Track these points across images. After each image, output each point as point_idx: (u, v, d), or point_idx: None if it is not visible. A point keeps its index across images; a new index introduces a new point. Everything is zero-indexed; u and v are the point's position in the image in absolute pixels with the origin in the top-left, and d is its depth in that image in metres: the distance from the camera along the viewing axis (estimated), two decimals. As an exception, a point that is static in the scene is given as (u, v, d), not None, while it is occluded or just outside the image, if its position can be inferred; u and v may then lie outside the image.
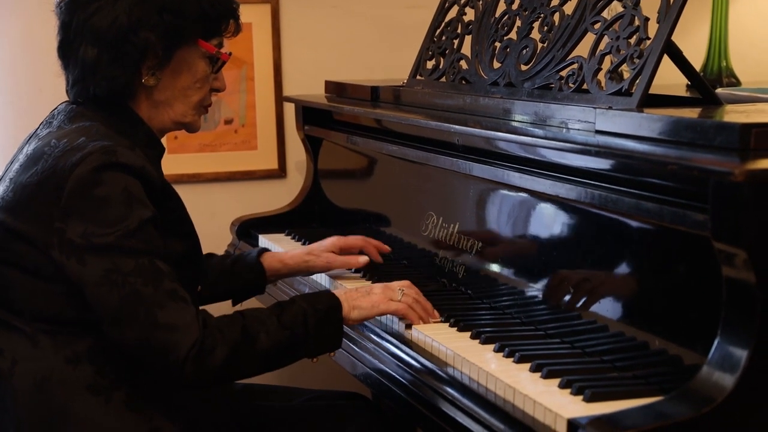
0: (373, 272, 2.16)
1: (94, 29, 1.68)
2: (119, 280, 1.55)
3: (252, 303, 2.10)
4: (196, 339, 1.56)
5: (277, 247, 2.52)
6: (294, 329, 1.66)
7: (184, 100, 1.77)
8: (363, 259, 2.12)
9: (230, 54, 1.80)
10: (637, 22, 1.77)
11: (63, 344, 1.64)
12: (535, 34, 2.02)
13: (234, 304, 2.12)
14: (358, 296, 1.79)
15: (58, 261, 1.59)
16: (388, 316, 1.87)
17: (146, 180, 1.62)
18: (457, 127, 1.98)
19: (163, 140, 1.84)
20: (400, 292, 1.82)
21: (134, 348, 1.59)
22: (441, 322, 1.84)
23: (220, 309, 1.84)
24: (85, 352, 1.64)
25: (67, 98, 1.78)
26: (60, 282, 1.61)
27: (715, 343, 1.34)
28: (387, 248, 2.19)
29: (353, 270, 2.19)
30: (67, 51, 1.73)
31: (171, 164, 2.93)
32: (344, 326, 1.75)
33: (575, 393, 1.45)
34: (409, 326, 1.83)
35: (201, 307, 1.66)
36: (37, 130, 1.76)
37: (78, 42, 1.70)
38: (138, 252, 1.57)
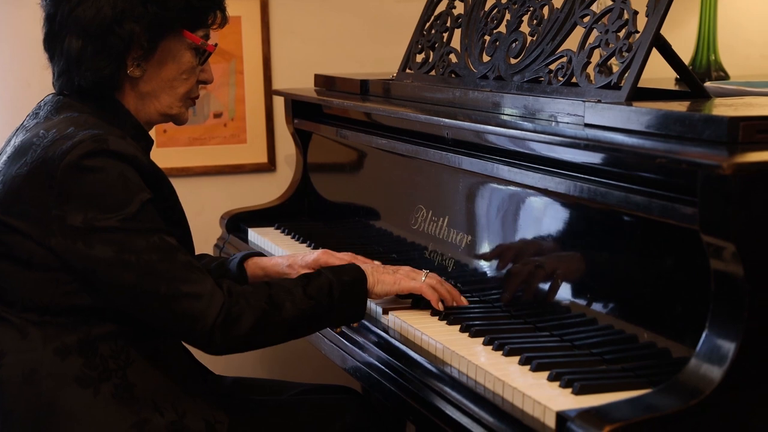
0: None
1: (78, 21, 1.68)
2: (133, 258, 1.58)
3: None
4: (222, 305, 1.59)
5: (266, 240, 2.52)
6: (319, 299, 1.69)
7: (170, 91, 1.77)
8: None
9: (216, 45, 1.80)
10: (626, 16, 1.78)
11: (52, 336, 1.64)
12: (525, 28, 2.02)
13: None
14: (383, 271, 1.82)
15: (59, 248, 1.59)
16: (380, 311, 1.88)
17: (138, 167, 1.63)
18: (446, 120, 1.98)
19: (152, 134, 1.84)
20: (425, 273, 1.85)
21: (161, 321, 1.61)
22: (431, 315, 1.84)
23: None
24: (75, 344, 1.64)
25: (53, 90, 1.78)
26: (53, 270, 1.61)
27: (703, 335, 1.35)
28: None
29: None
30: (52, 43, 1.73)
31: (160, 158, 2.89)
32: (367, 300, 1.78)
33: (564, 386, 1.46)
34: (385, 313, 1.84)
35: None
36: (24, 122, 1.76)
37: (63, 34, 1.70)
38: (146, 231, 1.59)
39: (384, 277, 1.81)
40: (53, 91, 1.78)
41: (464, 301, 1.87)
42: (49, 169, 1.59)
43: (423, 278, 1.84)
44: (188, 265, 1.61)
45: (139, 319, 1.65)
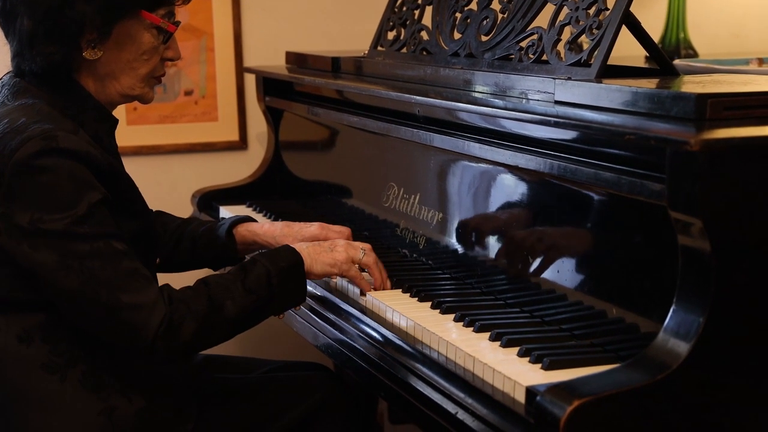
0: None
1: (28, 0, 1.61)
2: (75, 264, 1.53)
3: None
4: (163, 316, 1.55)
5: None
6: (259, 292, 1.65)
7: (131, 72, 1.70)
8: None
9: (179, 23, 1.73)
10: (596, -7, 1.78)
11: (13, 322, 1.62)
12: (496, 5, 2.02)
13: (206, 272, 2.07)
14: (320, 251, 1.79)
15: (6, 246, 1.55)
16: (351, 288, 1.88)
17: (91, 164, 1.57)
18: (417, 98, 1.98)
19: (122, 111, 1.81)
20: (362, 252, 1.83)
21: (100, 330, 1.58)
22: (402, 292, 1.85)
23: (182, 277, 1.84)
24: (37, 329, 1.62)
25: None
26: (6, 265, 1.58)
27: (671, 311, 1.36)
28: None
29: None
30: (7, 20, 1.66)
31: (130, 136, 2.91)
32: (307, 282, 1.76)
33: (534, 361, 1.47)
34: (364, 294, 1.85)
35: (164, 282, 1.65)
36: None
37: (15, 12, 1.64)
38: (92, 236, 1.54)
39: (322, 257, 1.78)
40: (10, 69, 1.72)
41: (388, 285, 1.85)
42: None
43: (361, 255, 1.83)
44: (133, 273, 1.55)
45: (83, 329, 1.61)
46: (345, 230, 1.98)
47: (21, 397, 1.63)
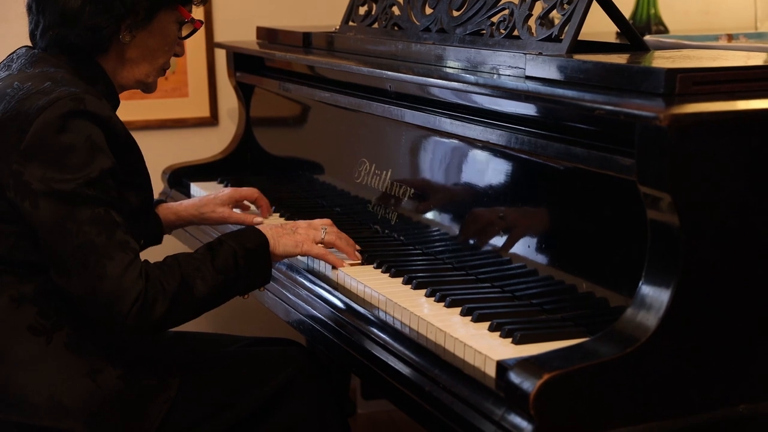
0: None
1: None
2: (74, 228, 1.57)
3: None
4: (139, 292, 1.57)
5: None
6: (227, 272, 1.68)
7: (152, 61, 1.81)
8: (258, 220, 2.11)
9: (202, 22, 1.85)
10: (567, -32, 1.78)
11: (9, 284, 1.65)
12: (467, -20, 2.02)
13: None
14: (283, 233, 1.81)
15: (12, 201, 1.59)
16: (322, 262, 1.88)
17: (110, 130, 1.63)
18: (389, 73, 1.97)
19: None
20: (323, 230, 1.85)
21: (80, 297, 1.59)
22: (374, 268, 1.85)
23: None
24: (31, 293, 1.65)
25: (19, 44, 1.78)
26: (13, 222, 1.62)
27: (640, 285, 1.37)
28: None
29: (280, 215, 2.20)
30: None
31: (100, 112, 2.88)
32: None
33: (505, 336, 1.48)
34: (335, 268, 1.85)
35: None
36: None
37: None
38: (95, 201, 1.58)
39: (285, 239, 1.80)
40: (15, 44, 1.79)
41: (358, 257, 1.87)
42: (22, 123, 1.58)
43: (322, 234, 1.85)
44: (123, 245, 1.59)
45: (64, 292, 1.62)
46: (254, 189, 2.16)
47: (6, 358, 1.65)
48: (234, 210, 2.15)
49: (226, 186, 2.58)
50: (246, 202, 2.23)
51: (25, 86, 1.63)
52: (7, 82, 1.67)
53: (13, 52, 1.78)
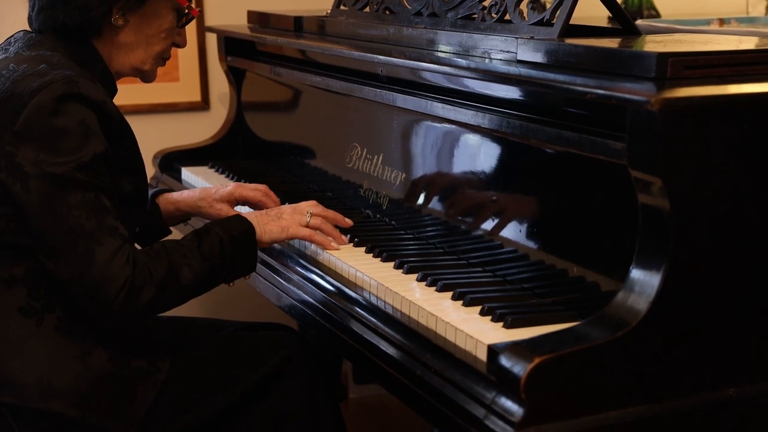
0: None
1: None
2: (64, 211, 1.56)
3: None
4: (126, 278, 1.57)
5: (200, 179, 2.49)
6: (213, 260, 1.68)
7: (147, 47, 1.80)
8: None
9: (200, 11, 1.80)
10: (559, -48, 1.77)
11: (0, 266, 1.65)
12: (459, -36, 2.01)
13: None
14: (268, 220, 1.81)
15: (4, 182, 1.59)
16: (313, 246, 1.88)
17: (104, 114, 1.63)
18: (380, 57, 1.97)
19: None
20: (309, 214, 1.86)
21: (67, 280, 1.59)
22: (365, 252, 1.85)
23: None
24: (22, 275, 1.65)
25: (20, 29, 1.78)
26: (4, 204, 1.61)
27: (631, 269, 1.37)
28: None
29: None
30: None
31: (90, 96, 2.86)
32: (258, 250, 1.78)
33: (496, 320, 1.48)
34: (326, 251, 1.85)
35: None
36: None
37: None
38: (87, 185, 1.58)
39: (270, 226, 1.80)
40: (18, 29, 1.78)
41: (345, 240, 1.88)
42: (15, 105, 1.58)
43: (308, 218, 1.85)
44: (113, 230, 1.58)
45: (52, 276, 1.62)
46: (261, 187, 2.05)
47: None
48: (235, 209, 2.05)
49: (216, 170, 2.57)
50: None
51: (20, 68, 1.63)
52: (3, 64, 1.67)
53: (11, 36, 1.78)
